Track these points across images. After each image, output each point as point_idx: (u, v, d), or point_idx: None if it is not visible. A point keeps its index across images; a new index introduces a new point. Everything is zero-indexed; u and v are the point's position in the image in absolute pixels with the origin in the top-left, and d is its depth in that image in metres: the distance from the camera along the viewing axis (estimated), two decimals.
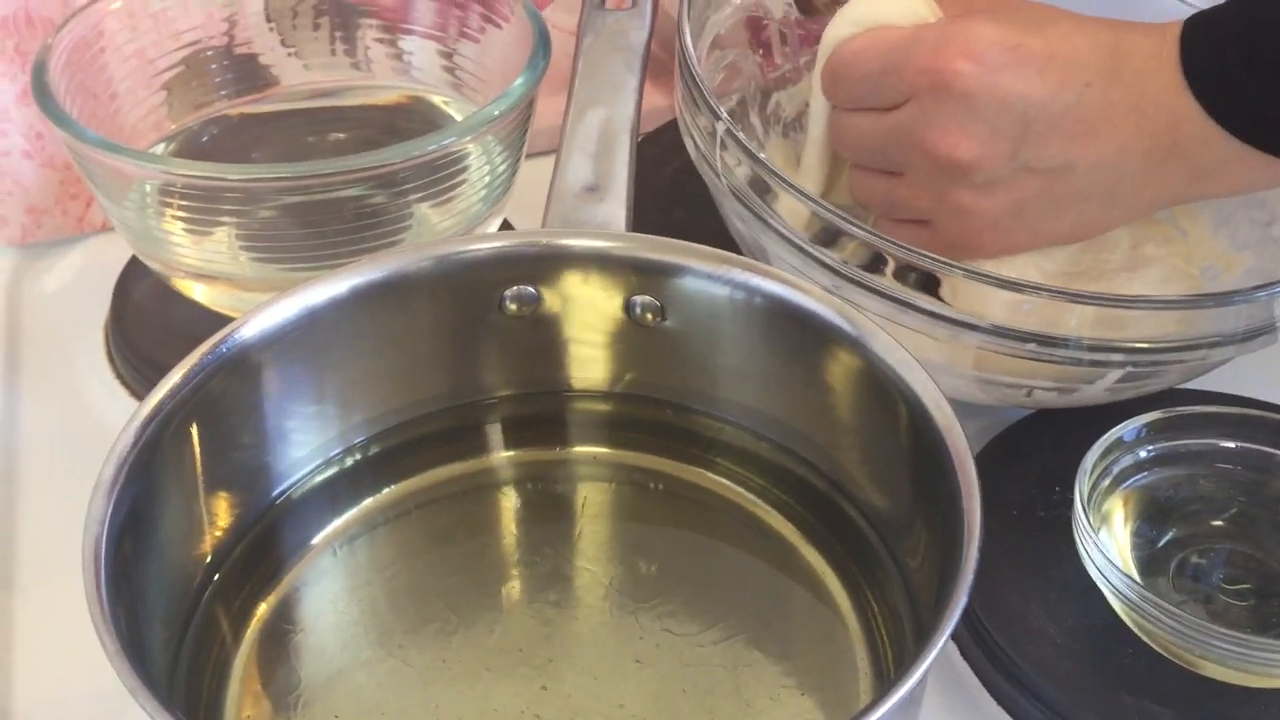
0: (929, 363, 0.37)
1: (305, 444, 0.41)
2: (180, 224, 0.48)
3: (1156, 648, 0.40)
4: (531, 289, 0.42)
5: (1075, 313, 0.41)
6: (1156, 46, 0.41)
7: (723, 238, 0.49)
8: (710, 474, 0.43)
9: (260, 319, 0.38)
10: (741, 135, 0.45)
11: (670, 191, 0.59)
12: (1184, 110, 0.41)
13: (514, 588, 0.40)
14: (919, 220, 0.45)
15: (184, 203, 0.47)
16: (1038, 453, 0.47)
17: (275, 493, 0.41)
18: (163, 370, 0.50)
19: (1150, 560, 0.42)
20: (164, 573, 0.36)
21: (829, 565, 0.40)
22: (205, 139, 0.55)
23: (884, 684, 0.37)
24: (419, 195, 0.49)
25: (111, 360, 0.53)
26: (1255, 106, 0.40)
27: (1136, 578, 0.41)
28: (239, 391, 0.38)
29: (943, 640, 0.30)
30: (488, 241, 0.42)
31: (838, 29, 0.46)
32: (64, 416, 0.51)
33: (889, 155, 0.45)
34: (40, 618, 0.44)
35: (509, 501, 0.43)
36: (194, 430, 0.37)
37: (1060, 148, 0.42)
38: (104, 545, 0.31)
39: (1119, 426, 0.43)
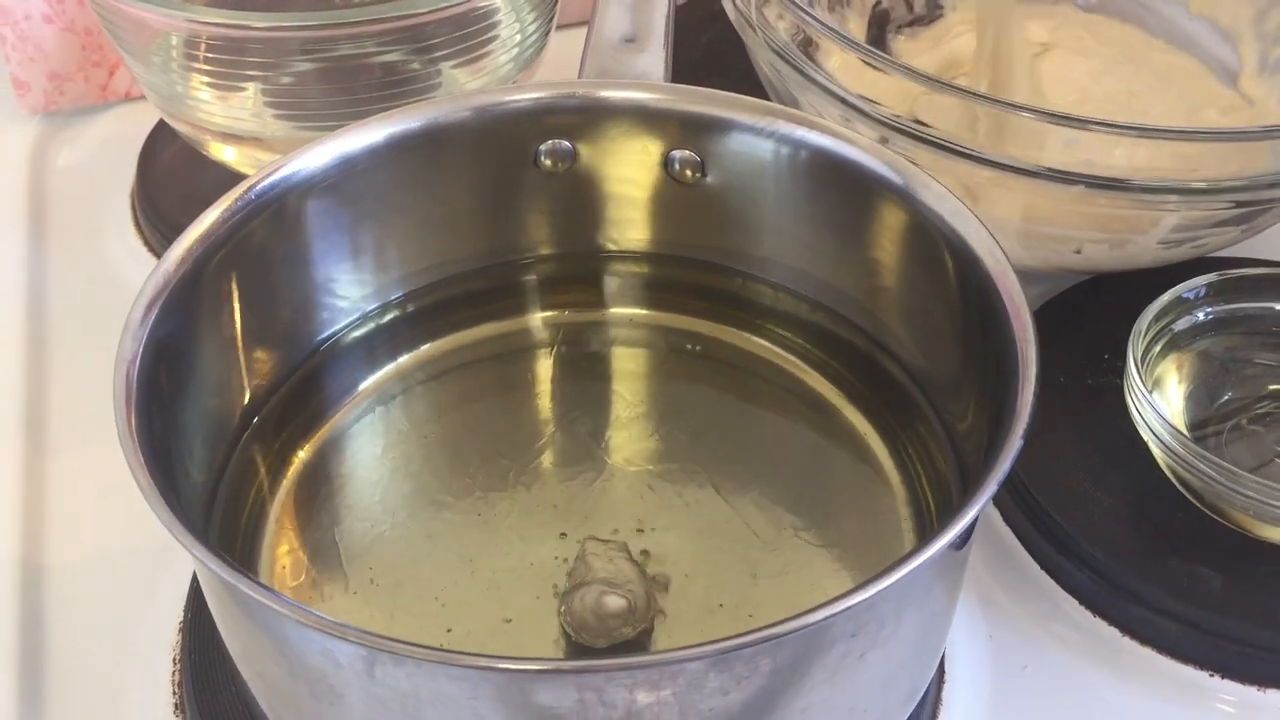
0: None
1: (343, 298, 0.40)
2: (206, 82, 0.47)
3: (1207, 511, 0.39)
4: (567, 144, 0.41)
5: (1130, 149, 0.39)
6: None
7: None
8: (750, 335, 0.42)
9: (295, 163, 0.37)
10: None
11: (706, 61, 0.57)
12: None
13: (550, 446, 0.39)
14: None
15: (210, 55, 0.45)
16: (1085, 322, 0.45)
17: (313, 344, 0.40)
18: None
19: (1203, 424, 0.41)
20: (201, 415, 0.35)
21: (871, 426, 0.39)
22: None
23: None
24: (448, 56, 0.47)
25: (138, 226, 0.52)
26: None
27: (1187, 436, 0.40)
28: (274, 236, 0.37)
29: (998, 480, 0.29)
30: (525, 92, 0.40)
31: None
32: (91, 282, 0.51)
33: None
34: (71, 480, 0.44)
35: (545, 361, 0.42)
36: (229, 273, 0.36)
37: None
38: (135, 378, 0.30)
39: (1176, 288, 0.41)
